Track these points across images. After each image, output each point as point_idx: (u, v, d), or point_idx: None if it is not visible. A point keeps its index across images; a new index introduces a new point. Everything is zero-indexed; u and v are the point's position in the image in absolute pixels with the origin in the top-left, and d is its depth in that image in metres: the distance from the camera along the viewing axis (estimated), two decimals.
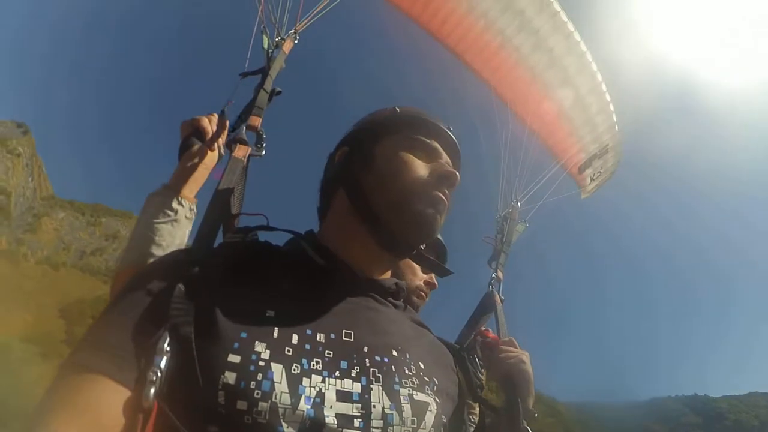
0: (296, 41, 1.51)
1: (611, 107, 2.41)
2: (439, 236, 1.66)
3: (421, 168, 0.83)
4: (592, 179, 2.48)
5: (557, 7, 2.29)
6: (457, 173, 0.84)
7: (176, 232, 1.22)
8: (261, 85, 1.34)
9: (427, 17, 2.19)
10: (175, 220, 1.22)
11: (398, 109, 0.91)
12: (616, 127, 2.44)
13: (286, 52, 1.45)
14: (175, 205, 1.23)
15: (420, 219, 0.80)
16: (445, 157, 0.88)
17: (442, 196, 0.82)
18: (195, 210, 1.28)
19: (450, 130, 0.91)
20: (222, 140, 1.32)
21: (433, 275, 1.71)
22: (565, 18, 2.32)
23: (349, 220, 0.83)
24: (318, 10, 1.56)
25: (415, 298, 1.61)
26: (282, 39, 1.48)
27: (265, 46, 1.44)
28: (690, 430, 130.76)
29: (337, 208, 0.87)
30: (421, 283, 1.67)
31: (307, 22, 1.53)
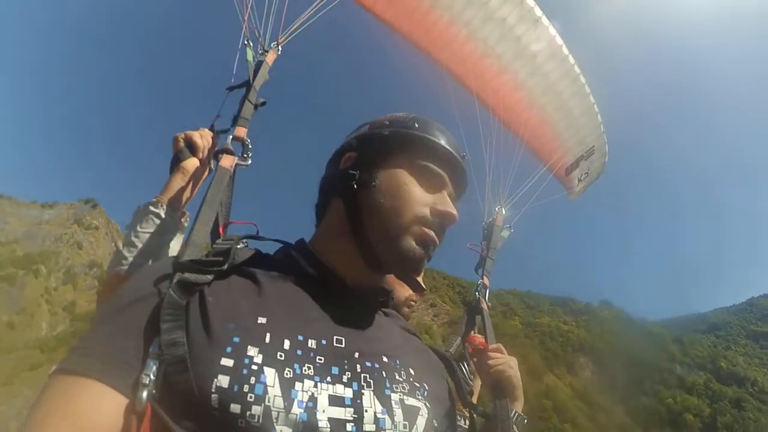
0: (279, 53, 1.55)
1: (595, 109, 2.44)
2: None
3: (421, 202, 0.82)
4: (579, 180, 2.51)
5: (538, 12, 2.35)
6: (455, 213, 0.83)
7: (166, 243, 1.23)
8: (246, 96, 1.38)
9: (412, 28, 2.25)
10: (166, 231, 1.23)
11: (417, 125, 0.88)
12: (602, 128, 2.48)
13: (270, 64, 1.49)
14: (165, 216, 1.24)
15: (409, 256, 0.80)
16: (450, 188, 0.87)
17: (435, 238, 0.82)
18: (185, 222, 1.29)
19: (463, 159, 0.90)
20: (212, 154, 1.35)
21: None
22: (546, 23, 2.37)
23: (342, 233, 0.84)
24: (300, 23, 1.61)
25: (405, 309, 1.64)
26: (265, 51, 1.52)
27: (250, 58, 1.48)
28: None
29: (332, 217, 0.87)
30: (411, 293, 1.71)
31: (290, 35, 1.58)
